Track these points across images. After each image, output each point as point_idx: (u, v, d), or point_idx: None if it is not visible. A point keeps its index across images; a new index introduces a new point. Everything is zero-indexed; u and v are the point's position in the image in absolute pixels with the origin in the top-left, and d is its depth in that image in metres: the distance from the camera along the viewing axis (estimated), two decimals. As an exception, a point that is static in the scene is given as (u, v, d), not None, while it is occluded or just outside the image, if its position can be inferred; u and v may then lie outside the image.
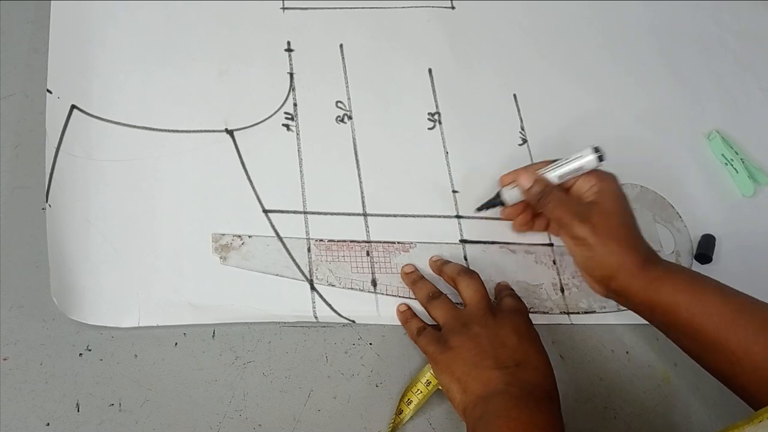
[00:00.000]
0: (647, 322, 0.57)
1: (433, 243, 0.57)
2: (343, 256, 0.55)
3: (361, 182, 0.58)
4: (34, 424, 0.45)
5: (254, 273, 0.53)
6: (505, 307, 0.52)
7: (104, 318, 0.49)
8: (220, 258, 0.53)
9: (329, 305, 0.53)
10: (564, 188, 0.54)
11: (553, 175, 0.53)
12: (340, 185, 0.58)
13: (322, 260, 0.54)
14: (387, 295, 0.54)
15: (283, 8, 0.65)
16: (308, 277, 0.53)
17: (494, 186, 0.60)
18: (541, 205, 0.53)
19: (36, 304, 0.49)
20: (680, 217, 0.63)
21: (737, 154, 0.66)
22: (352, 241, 0.56)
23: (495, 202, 0.57)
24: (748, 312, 0.46)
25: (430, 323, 0.52)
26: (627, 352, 0.56)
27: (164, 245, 0.52)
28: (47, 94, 0.55)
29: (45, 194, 0.51)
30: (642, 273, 0.49)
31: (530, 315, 0.53)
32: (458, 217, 0.59)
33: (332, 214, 0.56)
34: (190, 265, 0.52)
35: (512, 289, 0.55)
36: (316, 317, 0.52)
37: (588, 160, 0.52)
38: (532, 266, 0.58)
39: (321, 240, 0.55)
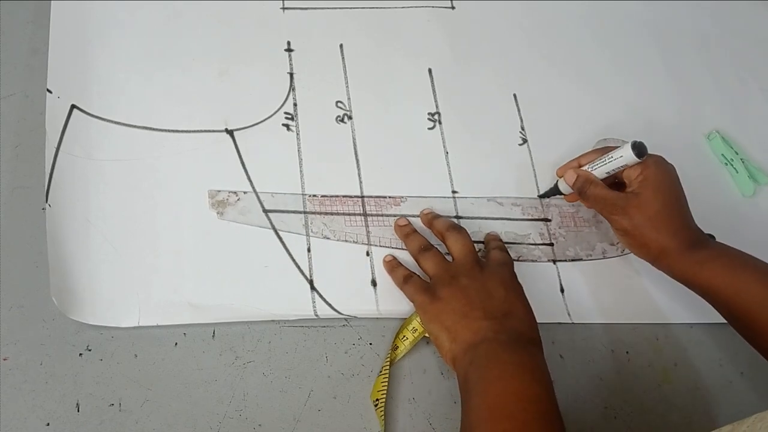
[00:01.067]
0: (647, 322, 0.58)
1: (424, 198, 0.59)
2: (337, 210, 0.57)
3: (361, 182, 0.58)
4: (34, 424, 0.45)
5: (254, 272, 0.53)
6: (492, 260, 0.54)
7: (104, 318, 0.49)
8: (217, 213, 0.54)
9: (329, 304, 0.53)
10: (615, 176, 0.56)
11: (599, 171, 0.56)
12: (340, 185, 0.58)
13: (316, 213, 0.56)
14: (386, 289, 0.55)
15: (283, 8, 0.65)
16: (308, 277, 0.53)
17: (494, 186, 0.61)
18: (584, 200, 0.57)
19: (36, 304, 0.49)
20: None
21: (737, 153, 0.66)
22: (345, 196, 0.57)
23: (554, 191, 0.60)
24: None
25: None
26: (627, 352, 0.56)
27: (164, 245, 0.52)
28: (47, 93, 0.55)
29: (45, 194, 0.51)
30: (683, 257, 0.52)
31: (519, 263, 0.57)
32: (458, 217, 0.59)
33: (332, 214, 0.56)
34: (189, 264, 0.52)
35: (500, 240, 0.58)
36: (316, 314, 0.52)
37: (628, 156, 0.54)
38: (520, 218, 0.60)
39: (314, 195, 0.57)
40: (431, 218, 0.57)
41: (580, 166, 0.58)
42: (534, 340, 0.49)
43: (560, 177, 0.59)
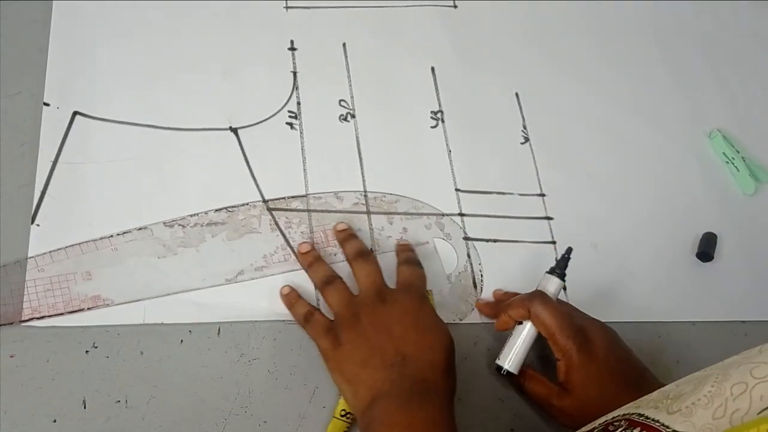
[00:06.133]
0: (649, 320, 0.58)
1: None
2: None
3: (364, 180, 0.59)
4: (41, 421, 0.45)
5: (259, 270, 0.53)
6: (398, 283, 0.51)
7: (110, 316, 0.49)
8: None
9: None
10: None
11: (520, 352, 0.50)
12: (344, 183, 0.58)
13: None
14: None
15: (287, 7, 0.65)
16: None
17: (496, 184, 0.61)
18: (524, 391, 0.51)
19: (42, 302, 0.49)
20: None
21: (738, 152, 0.66)
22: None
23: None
24: None
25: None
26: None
27: (169, 243, 0.53)
28: (44, 107, 0.55)
29: (32, 215, 0.51)
30: None
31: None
32: (461, 215, 0.59)
33: (335, 212, 0.57)
34: (194, 263, 0.52)
35: (411, 251, 0.54)
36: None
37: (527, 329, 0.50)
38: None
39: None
40: (343, 239, 0.53)
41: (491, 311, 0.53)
42: (435, 386, 0.45)
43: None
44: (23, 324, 0.48)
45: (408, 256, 0.53)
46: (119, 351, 0.49)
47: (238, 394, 0.49)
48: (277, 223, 0.55)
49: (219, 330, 0.51)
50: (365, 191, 0.58)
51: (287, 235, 0.55)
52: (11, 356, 0.47)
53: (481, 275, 0.57)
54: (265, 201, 0.56)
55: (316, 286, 0.52)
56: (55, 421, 0.46)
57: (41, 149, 0.53)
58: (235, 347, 0.50)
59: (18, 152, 0.54)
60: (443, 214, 0.58)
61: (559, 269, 0.52)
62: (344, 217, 0.56)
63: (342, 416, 0.48)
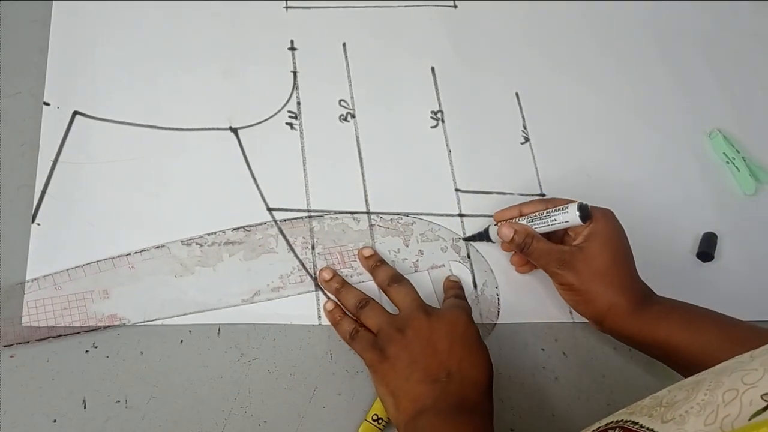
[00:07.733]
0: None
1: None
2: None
3: (364, 180, 0.59)
4: (41, 421, 0.45)
5: (259, 272, 0.53)
6: (445, 305, 0.52)
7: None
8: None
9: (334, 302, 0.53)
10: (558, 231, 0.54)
11: (539, 230, 0.53)
12: (344, 183, 0.58)
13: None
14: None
15: (287, 7, 0.66)
16: (313, 274, 0.54)
17: (496, 184, 0.61)
18: (525, 255, 0.53)
19: (42, 302, 0.49)
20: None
21: (738, 152, 0.66)
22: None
23: (482, 236, 0.57)
24: (750, 341, 0.45)
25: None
26: (629, 350, 0.56)
27: (169, 244, 0.53)
28: (44, 106, 0.55)
29: (33, 214, 0.51)
30: (635, 314, 0.49)
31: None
32: (461, 215, 0.59)
33: (336, 212, 0.57)
34: (195, 263, 0.52)
35: (460, 288, 0.55)
36: (319, 317, 0.52)
37: (573, 219, 0.51)
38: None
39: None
40: (372, 267, 0.54)
41: (522, 215, 0.55)
42: (477, 406, 0.45)
43: (497, 223, 0.56)
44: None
45: (458, 292, 0.54)
46: (119, 351, 0.49)
47: (238, 394, 0.49)
48: (290, 244, 0.54)
49: (219, 330, 0.51)
50: (380, 212, 0.57)
51: (303, 256, 0.54)
52: (11, 356, 0.47)
53: (498, 299, 0.56)
54: (267, 205, 0.55)
55: (351, 312, 0.51)
56: (55, 421, 0.46)
57: (41, 149, 0.54)
58: (235, 347, 0.50)
59: (18, 152, 0.54)
60: (460, 238, 0.58)
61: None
62: (361, 237, 0.56)
63: (374, 420, 0.48)
